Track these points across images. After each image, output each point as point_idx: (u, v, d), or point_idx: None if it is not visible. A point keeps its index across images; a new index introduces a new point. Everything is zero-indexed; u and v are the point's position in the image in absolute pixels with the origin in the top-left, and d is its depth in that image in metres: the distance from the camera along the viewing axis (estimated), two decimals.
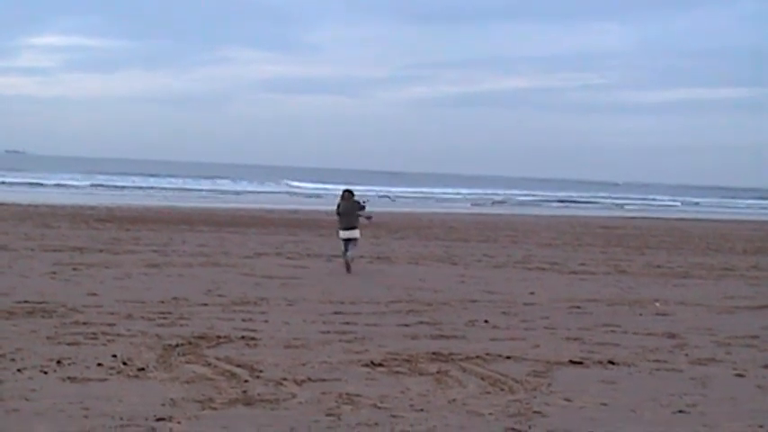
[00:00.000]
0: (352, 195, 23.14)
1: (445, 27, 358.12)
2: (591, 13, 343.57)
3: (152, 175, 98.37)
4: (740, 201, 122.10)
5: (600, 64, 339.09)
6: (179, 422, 8.34)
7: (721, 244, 37.13)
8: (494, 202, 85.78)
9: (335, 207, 23.35)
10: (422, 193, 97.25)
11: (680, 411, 9.46)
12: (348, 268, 22.04)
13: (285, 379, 10.16)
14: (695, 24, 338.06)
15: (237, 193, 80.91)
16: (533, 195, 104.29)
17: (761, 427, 8.95)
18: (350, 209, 22.69)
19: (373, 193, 75.83)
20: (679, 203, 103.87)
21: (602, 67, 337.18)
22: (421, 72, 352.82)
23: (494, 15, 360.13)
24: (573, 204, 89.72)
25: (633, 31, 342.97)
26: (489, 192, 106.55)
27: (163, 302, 15.65)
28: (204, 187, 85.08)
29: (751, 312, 17.31)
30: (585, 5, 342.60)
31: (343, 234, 22.52)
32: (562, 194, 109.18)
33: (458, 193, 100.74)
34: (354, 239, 22.53)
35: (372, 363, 11.21)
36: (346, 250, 22.37)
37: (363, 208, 22.84)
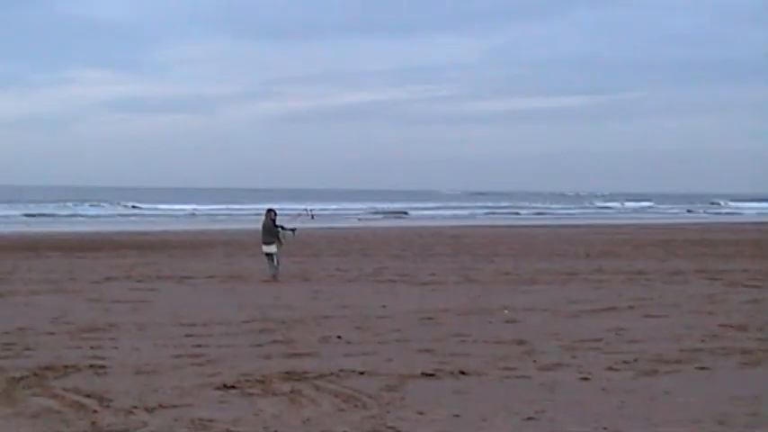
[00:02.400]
0: (273, 214, 25.84)
1: (291, 43, 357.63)
2: (434, 27, 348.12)
3: None
4: (584, 206, 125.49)
5: (443, 76, 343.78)
6: None
7: (565, 249, 38.16)
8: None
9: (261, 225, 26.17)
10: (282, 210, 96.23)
11: (529, 418, 9.70)
12: (274, 278, 24.73)
13: (135, 407, 9.99)
14: (534, 35, 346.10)
15: (86, 216, 79.02)
16: (386, 208, 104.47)
17: (605, 429, 9.24)
18: (268, 226, 25.46)
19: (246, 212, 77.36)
20: (523, 210, 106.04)
21: (447, 79, 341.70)
22: (271, 88, 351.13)
23: (338, 30, 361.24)
24: (428, 216, 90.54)
25: (475, 42, 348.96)
26: (348, 207, 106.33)
27: (7, 333, 15.17)
28: (50, 212, 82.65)
29: (595, 315, 17.84)
30: (428, 19, 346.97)
31: (264, 248, 25.44)
32: (417, 205, 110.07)
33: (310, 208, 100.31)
34: (272, 254, 25.19)
35: (225, 385, 11.12)
36: (270, 262, 25.18)
37: (278, 227, 25.54)
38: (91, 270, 27.23)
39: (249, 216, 78.11)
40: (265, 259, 25.51)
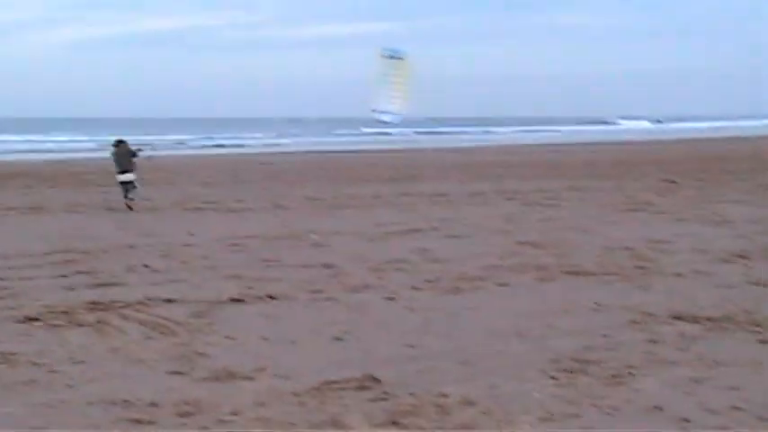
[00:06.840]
0: (124, 143, 25.39)
1: None
2: None
3: None
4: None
5: (251, 1, 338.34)
6: None
7: (370, 173, 38.60)
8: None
9: (111, 155, 25.46)
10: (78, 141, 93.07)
11: (337, 338, 9.92)
12: (130, 208, 24.14)
13: None
14: None
15: None
16: (190, 138, 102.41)
17: (411, 346, 9.54)
18: (125, 153, 24.99)
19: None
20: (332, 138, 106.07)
21: (254, 5, 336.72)
22: (67, 14, 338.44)
23: None
24: (233, 145, 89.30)
25: None
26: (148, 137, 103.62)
27: None
28: None
29: (400, 237, 18.23)
30: None
31: (121, 177, 24.77)
32: (220, 135, 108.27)
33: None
34: (131, 181, 24.68)
35: (27, 318, 10.91)
36: (126, 191, 24.54)
37: (135, 154, 25.12)
38: None
39: (51, 146, 75.62)
40: (121, 189, 24.77)
